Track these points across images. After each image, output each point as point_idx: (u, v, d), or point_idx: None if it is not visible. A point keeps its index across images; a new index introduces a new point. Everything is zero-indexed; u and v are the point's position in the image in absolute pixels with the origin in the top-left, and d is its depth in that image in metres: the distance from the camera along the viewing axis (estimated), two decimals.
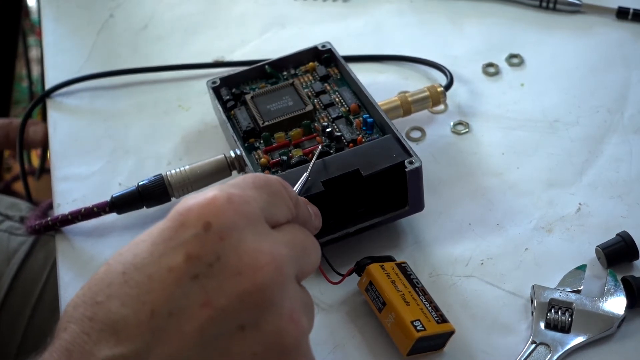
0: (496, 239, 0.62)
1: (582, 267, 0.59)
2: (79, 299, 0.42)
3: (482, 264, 0.61)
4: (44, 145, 0.93)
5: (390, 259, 0.59)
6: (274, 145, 0.64)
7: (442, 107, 0.73)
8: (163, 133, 0.74)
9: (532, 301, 0.57)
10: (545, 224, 0.63)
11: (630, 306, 0.56)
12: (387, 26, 0.82)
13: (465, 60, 0.77)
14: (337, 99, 0.67)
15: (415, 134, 0.71)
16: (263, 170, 0.62)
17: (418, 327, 0.53)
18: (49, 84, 0.79)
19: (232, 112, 0.68)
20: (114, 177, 0.70)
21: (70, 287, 0.63)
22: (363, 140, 0.63)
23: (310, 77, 0.70)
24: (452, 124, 0.71)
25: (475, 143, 0.70)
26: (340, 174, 0.59)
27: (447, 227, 0.63)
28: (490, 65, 0.76)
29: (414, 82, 0.75)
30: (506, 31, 0.80)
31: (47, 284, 0.83)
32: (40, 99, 0.79)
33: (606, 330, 0.55)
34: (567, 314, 0.56)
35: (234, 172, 0.66)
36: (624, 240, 0.59)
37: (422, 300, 0.56)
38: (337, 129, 0.64)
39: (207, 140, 0.72)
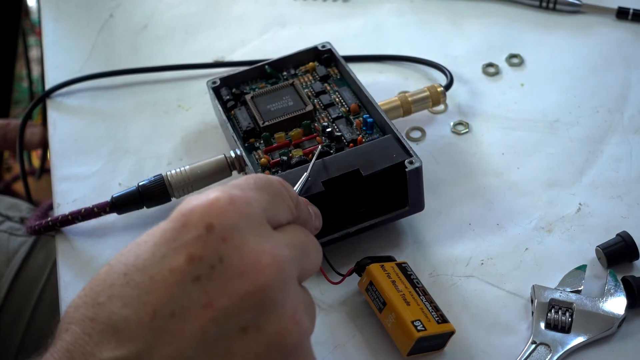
0: (496, 239, 0.62)
1: (582, 267, 0.59)
2: (80, 299, 0.42)
3: (482, 264, 0.61)
4: (41, 147, 0.93)
5: (390, 259, 0.59)
6: (274, 145, 0.64)
7: (442, 107, 0.73)
8: (163, 133, 0.74)
9: (532, 301, 0.57)
10: (545, 224, 0.63)
11: (630, 306, 0.56)
12: (387, 26, 0.82)
13: (465, 60, 0.77)
14: (337, 99, 0.67)
15: (415, 134, 0.71)
16: (263, 171, 0.62)
17: (418, 327, 0.53)
18: (49, 84, 0.79)
19: (232, 112, 0.68)
20: (114, 177, 0.70)
21: (71, 287, 0.63)
22: (363, 140, 0.63)
23: (310, 77, 0.70)
24: (452, 124, 0.71)
25: (475, 143, 0.70)
26: (341, 174, 0.59)
27: (447, 227, 0.63)
28: (490, 65, 0.76)
29: (414, 82, 0.75)
30: (506, 31, 0.80)
31: (47, 284, 0.83)
32: (40, 99, 0.79)
33: (606, 331, 0.55)
34: (567, 314, 0.56)
35: (234, 172, 0.65)
36: (624, 240, 0.59)
37: (422, 300, 0.56)
38: (337, 129, 0.64)
39: (207, 140, 0.72)
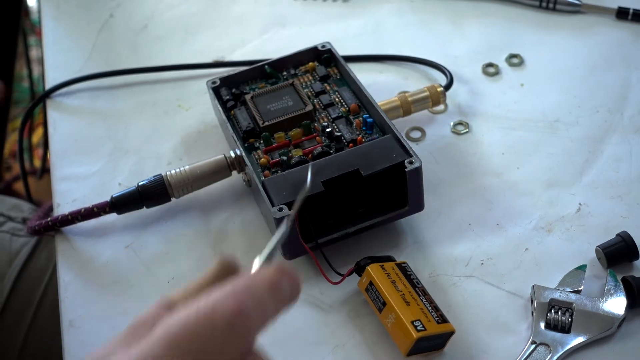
0: (496, 239, 0.62)
1: (582, 267, 0.59)
2: None
3: (482, 264, 0.61)
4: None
5: (390, 259, 0.59)
6: (274, 145, 0.64)
7: (442, 107, 0.73)
8: (163, 133, 0.74)
9: (532, 301, 0.57)
10: (545, 224, 0.63)
11: (630, 306, 0.56)
12: (387, 26, 0.82)
13: (465, 60, 0.77)
14: (337, 99, 0.67)
15: (415, 134, 0.71)
16: (263, 170, 0.62)
17: (418, 327, 0.53)
18: (49, 84, 0.79)
19: (232, 112, 0.68)
20: (114, 177, 0.70)
21: (71, 287, 0.63)
22: (363, 140, 0.63)
23: (310, 77, 0.70)
24: (452, 124, 0.71)
25: (475, 143, 0.70)
26: (340, 174, 0.59)
27: (447, 227, 0.63)
28: (490, 65, 0.76)
29: (414, 82, 0.75)
30: (506, 31, 0.80)
31: (49, 285, 0.83)
32: (40, 98, 0.79)
33: (606, 331, 0.55)
34: (567, 314, 0.56)
35: (234, 172, 0.66)
36: (624, 240, 0.59)
37: (422, 300, 0.56)
38: (337, 129, 0.64)
39: (207, 140, 0.72)
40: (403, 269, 0.58)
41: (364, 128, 0.64)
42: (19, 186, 1.28)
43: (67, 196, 0.69)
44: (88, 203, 0.65)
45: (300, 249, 0.58)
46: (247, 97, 0.67)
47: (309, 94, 0.68)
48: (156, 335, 0.36)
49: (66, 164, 0.72)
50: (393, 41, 0.80)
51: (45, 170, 1.11)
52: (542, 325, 0.56)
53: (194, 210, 0.67)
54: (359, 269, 0.58)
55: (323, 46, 0.71)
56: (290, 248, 0.59)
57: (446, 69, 0.74)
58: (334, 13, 0.84)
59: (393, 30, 0.82)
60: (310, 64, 0.70)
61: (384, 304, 0.55)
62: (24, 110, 0.92)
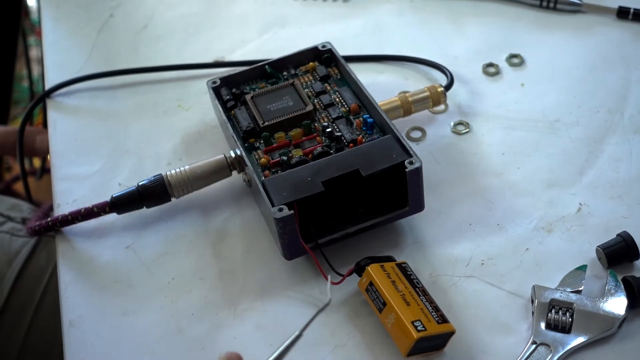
0: (496, 239, 0.62)
1: (582, 267, 0.59)
2: None
3: (482, 264, 0.61)
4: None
5: (390, 259, 0.59)
6: (274, 145, 0.64)
7: (442, 107, 0.72)
8: (163, 133, 0.74)
9: (532, 301, 0.57)
10: (545, 224, 0.63)
11: (630, 306, 0.56)
12: (387, 26, 0.82)
13: (465, 60, 0.77)
14: (337, 99, 0.67)
15: (416, 134, 0.71)
16: (263, 170, 0.62)
17: (418, 327, 0.53)
18: (49, 83, 0.79)
19: (232, 112, 0.68)
20: (114, 177, 0.70)
21: (71, 287, 0.63)
22: (363, 140, 0.63)
23: (311, 77, 0.70)
24: (452, 124, 0.71)
25: (475, 143, 0.70)
26: (340, 174, 0.59)
27: (447, 227, 0.63)
28: (491, 65, 0.76)
29: (414, 82, 0.75)
30: (506, 31, 0.80)
31: (49, 285, 0.83)
32: (40, 98, 0.79)
33: (607, 331, 0.55)
34: (567, 314, 0.56)
35: (234, 172, 0.66)
36: (625, 240, 0.59)
37: (422, 300, 0.56)
38: (337, 129, 0.64)
39: (207, 140, 0.72)
40: (403, 269, 0.58)
41: (364, 128, 0.64)
42: (19, 186, 1.28)
43: (67, 196, 0.69)
44: (88, 203, 0.65)
45: (300, 249, 0.58)
46: (248, 97, 0.67)
47: (309, 94, 0.68)
48: None
49: (66, 164, 0.72)
50: (393, 41, 0.80)
51: (45, 170, 1.11)
52: (543, 325, 0.56)
53: (194, 210, 0.67)
54: (359, 269, 0.58)
55: (323, 46, 0.71)
56: (290, 248, 0.59)
57: (446, 69, 0.74)
58: (334, 13, 0.84)
59: (393, 30, 0.82)
60: (311, 64, 0.70)
61: (384, 304, 0.55)
62: (24, 110, 0.92)
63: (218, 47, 0.81)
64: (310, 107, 0.66)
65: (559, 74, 0.75)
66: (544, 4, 0.81)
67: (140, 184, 0.65)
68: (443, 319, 0.55)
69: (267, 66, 0.70)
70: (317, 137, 0.64)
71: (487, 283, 0.60)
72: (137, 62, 0.80)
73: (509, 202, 0.65)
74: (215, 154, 0.65)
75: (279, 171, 0.62)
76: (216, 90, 0.69)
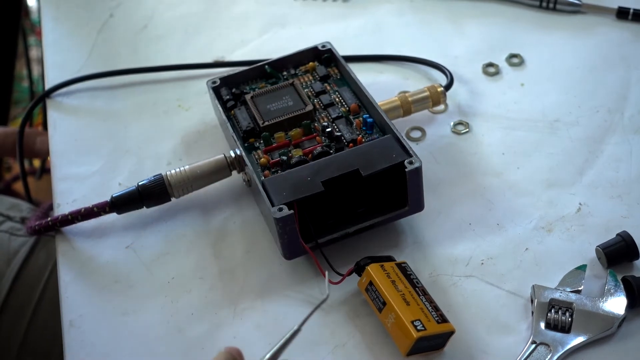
0: (496, 239, 0.62)
1: (582, 267, 0.59)
2: None
3: (482, 264, 0.61)
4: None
5: (390, 259, 0.59)
6: (274, 145, 0.64)
7: (442, 107, 0.73)
8: (163, 133, 0.74)
9: (532, 301, 0.57)
10: (545, 224, 0.63)
11: (630, 306, 0.56)
12: (387, 26, 0.82)
13: (465, 60, 0.77)
14: (337, 99, 0.67)
15: (415, 134, 0.71)
16: (263, 170, 0.62)
17: (418, 327, 0.53)
18: (49, 83, 0.79)
19: (232, 112, 0.68)
20: (114, 177, 0.70)
21: (71, 287, 0.63)
22: (363, 140, 0.63)
23: (310, 77, 0.70)
24: (452, 124, 0.71)
25: (475, 143, 0.70)
26: (340, 174, 0.59)
27: (447, 227, 0.63)
28: (490, 65, 0.76)
29: (414, 82, 0.75)
30: (506, 31, 0.80)
31: (48, 284, 0.83)
32: (40, 98, 0.79)
33: (606, 330, 0.55)
34: (567, 314, 0.56)
35: (234, 172, 0.66)
36: (624, 240, 0.59)
37: (422, 300, 0.56)
38: (337, 129, 0.64)
39: (207, 140, 0.72)
40: (403, 269, 0.58)
41: (364, 128, 0.64)
42: (19, 186, 1.28)
43: (67, 196, 0.69)
44: (88, 203, 0.65)
45: (300, 249, 0.58)
46: (247, 97, 0.67)
47: (309, 94, 0.68)
48: None
49: (66, 164, 0.72)
50: (393, 41, 0.80)
51: (44, 170, 1.11)
52: (542, 325, 0.56)
53: (194, 210, 0.67)
54: (359, 269, 0.58)
55: (323, 46, 0.71)
56: (290, 248, 0.59)
57: (446, 69, 0.74)
58: (334, 13, 0.84)
59: (393, 30, 0.82)
60: (311, 64, 0.70)
61: (384, 303, 0.55)
62: (24, 110, 0.92)
63: (218, 47, 0.82)
64: (310, 107, 0.66)
65: (558, 74, 0.75)
66: (544, 4, 0.81)
67: (140, 183, 0.65)
68: (443, 319, 0.55)
69: (267, 66, 0.70)
70: (317, 137, 0.64)
71: (486, 283, 0.60)
72: (137, 62, 0.80)
73: (508, 202, 0.65)
74: (215, 154, 0.65)
75: (279, 171, 0.62)
76: (216, 90, 0.69)
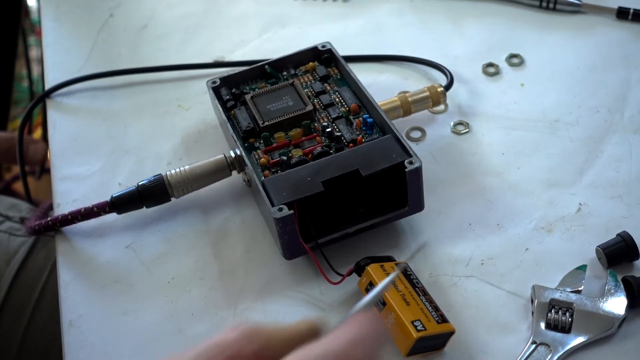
0: (496, 239, 0.62)
1: (582, 267, 0.59)
2: None
3: (482, 264, 0.61)
4: (42, 163, 0.94)
5: (390, 259, 0.59)
6: (274, 145, 0.64)
7: (442, 107, 0.72)
8: (163, 133, 0.74)
9: (532, 301, 0.57)
10: (545, 224, 0.63)
11: (630, 306, 0.56)
12: (387, 26, 0.82)
13: (465, 60, 0.77)
14: (337, 99, 0.67)
15: (415, 134, 0.71)
16: (263, 170, 0.62)
17: (418, 327, 0.53)
18: (49, 83, 0.79)
19: (232, 112, 0.68)
20: (114, 177, 0.70)
21: (71, 287, 0.63)
22: (363, 140, 0.63)
23: (310, 77, 0.70)
24: (452, 124, 0.71)
25: (475, 143, 0.70)
26: (340, 174, 0.59)
27: (447, 227, 0.63)
28: (490, 65, 0.76)
29: (414, 82, 0.75)
30: (506, 31, 0.80)
31: (47, 284, 0.83)
32: (40, 98, 0.79)
33: (607, 331, 0.55)
34: (567, 314, 0.56)
35: (234, 172, 0.66)
36: (624, 240, 0.59)
37: (422, 300, 0.56)
38: (337, 129, 0.64)
39: (207, 140, 0.72)
40: (403, 269, 0.58)
41: (364, 128, 0.64)
42: (18, 186, 1.28)
43: (67, 196, 0.69)
44: (88, 203, 0.65)
45: (300, 249, 0.58)
46: (247, 97, 0.67)
47: (309, 94, 0.68)
48: None
49: (66, 164, 0.72)
50: (393, 41, 0.80)
51: (44, 170, 1.11)
52: (543, 325, 0.56)
53: (194, 210, 0.67)
54: (359, 269, 0.58)
55: (323, 46, 0.71)
56: (290, 248, 0.59)
57: (446, 69, 0.74)
58: (334, 13, 0.84)
59: (393, 30, 0.82)
60: (311, 64, 0.70)
61: (384, 304, 0.55)
62: (24, 110, 0.92)
63: (218, 47, 0.81)
64: (310, 107, 0.66)
65: (558, 74, 0.75)
66: (544, 4, 0.81)
67: (140, 183, 0.65)
68: (443, 319, 0.55)
69: (266, 66, 0.70)
70: (317, 137, 0.64)
71: (487, 283, 0.60)
72: (137, 62, 0.80)
73: (509, 202, 0.65)
74: (215, 154, 0.65)
75: (279, 171, 0.62)
76: (216, 90, 0.69)
